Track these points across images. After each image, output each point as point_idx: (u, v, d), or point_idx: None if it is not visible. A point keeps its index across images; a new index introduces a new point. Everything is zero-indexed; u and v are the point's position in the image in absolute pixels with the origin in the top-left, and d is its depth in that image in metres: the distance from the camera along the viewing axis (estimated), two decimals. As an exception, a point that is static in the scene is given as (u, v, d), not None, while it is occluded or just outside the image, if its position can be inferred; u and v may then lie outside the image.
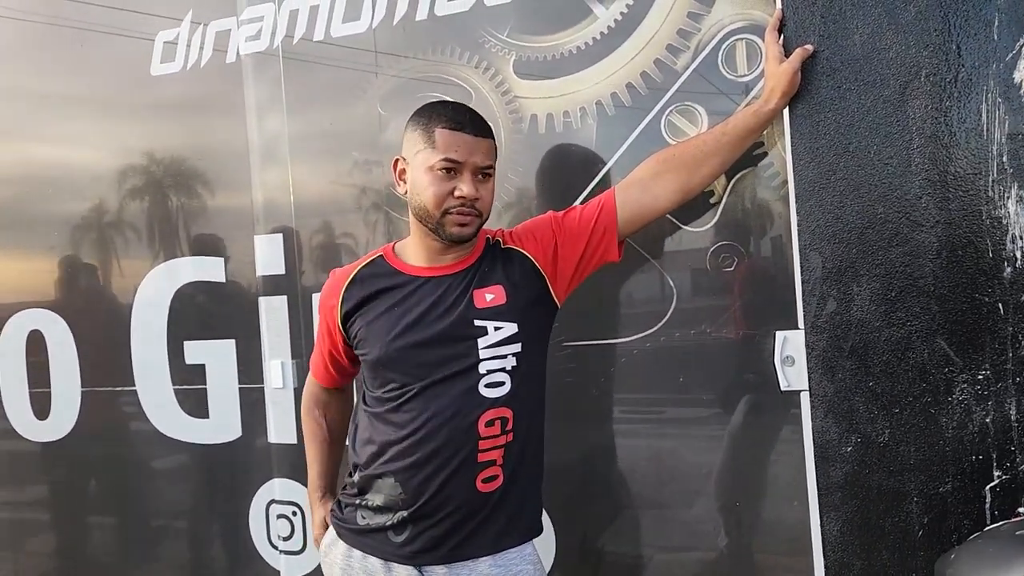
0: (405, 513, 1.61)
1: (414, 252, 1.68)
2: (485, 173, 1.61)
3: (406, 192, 1.65)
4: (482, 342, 1.60)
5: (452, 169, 1.57)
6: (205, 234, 2.46)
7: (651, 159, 1.77)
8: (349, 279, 1.69)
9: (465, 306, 1.61)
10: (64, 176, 2.67)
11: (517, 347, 1.61)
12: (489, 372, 1.59)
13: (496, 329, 1.60)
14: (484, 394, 1.59)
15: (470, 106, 1.69)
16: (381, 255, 1.71)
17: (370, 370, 1.67)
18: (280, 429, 2.34)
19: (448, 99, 1.71)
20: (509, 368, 1.61)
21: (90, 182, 2.60)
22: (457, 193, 1.57)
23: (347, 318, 1.69)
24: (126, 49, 2.47)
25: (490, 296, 1.63)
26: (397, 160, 1.67)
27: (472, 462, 1.59)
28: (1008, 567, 1.19)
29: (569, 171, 2.02)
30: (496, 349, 1.60)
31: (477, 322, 1.60)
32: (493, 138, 1.64)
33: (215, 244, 2.44)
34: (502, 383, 1.60)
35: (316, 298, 2.25)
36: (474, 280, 1.64)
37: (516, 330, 1.61)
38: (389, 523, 1.63)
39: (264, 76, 2.31)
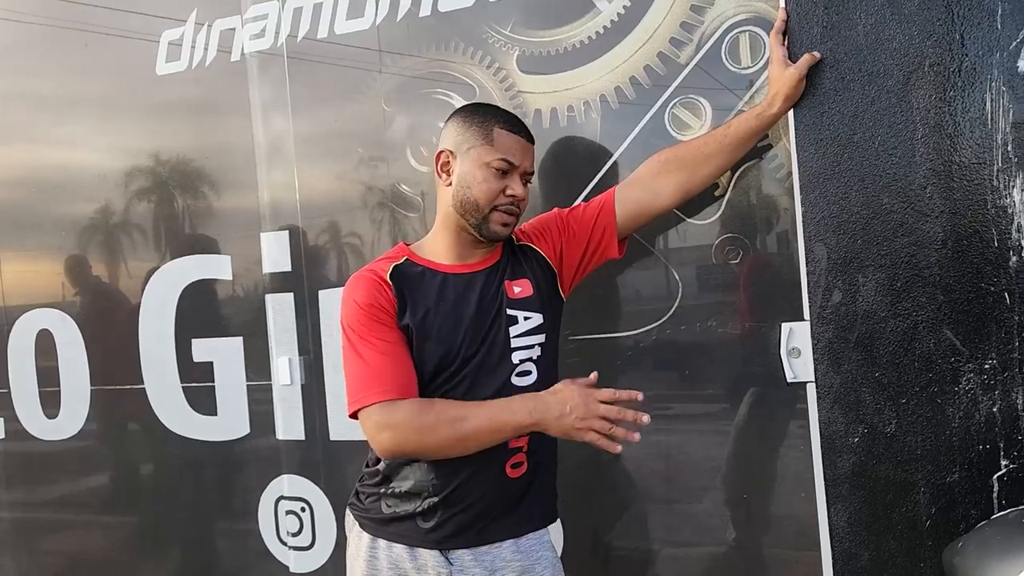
0: (436, 499, 1.63)
1: (442, 250, 1.69)
2: (528, 179, 1.68)
3: (449, 184, 1.66)
4: (513, 331, 1.64)
5: (507, 170, 1.63)
6: (211, 232, 2.47)
7: (652, 159, 1.81)
8: (390, 272, 1.64)
9: (499, 298, 1.66)
10: (71, 177, 2.68)
11: (542, 337, 1.67)
12: (521, 362, 1.64)
13: (525, 319, 1.66)
14: (515, 383, 1.63)
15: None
16: (406, 257, 1.69)
17: (414, 361, 1.63)
18: (288, 426, 2.35)
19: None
20: (535, 358, 1.66)
21: (96, 182, 2.62)
22: (509, 192, 1.63)
23: (400, 306, 1.62)
24: (131, 49, 2.48)
25: (518, 289, 1.68)
26: (442, 152, 1.68)
27: (504, 448, 1.61)
28: (1016, 554, 1.19)
29: (574, 165, 2.02)
30: (525, 339, 1.65)
31: (509, 311, 1.65)
32: None
33: (221, 242, 2.45)
34: (529, 372, 1.65)
35: (323, 295, 2.28)
36: (505, 273, 1.69)
37: (542, 320, 1.67)
38: (418, 509, 1.64)
39: (268, 74, 2.32)
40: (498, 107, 1.75)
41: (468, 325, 1.63)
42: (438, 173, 1.69)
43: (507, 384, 1.62)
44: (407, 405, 1.56)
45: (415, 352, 1.62)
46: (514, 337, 1.64)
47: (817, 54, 1.70)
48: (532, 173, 1.69)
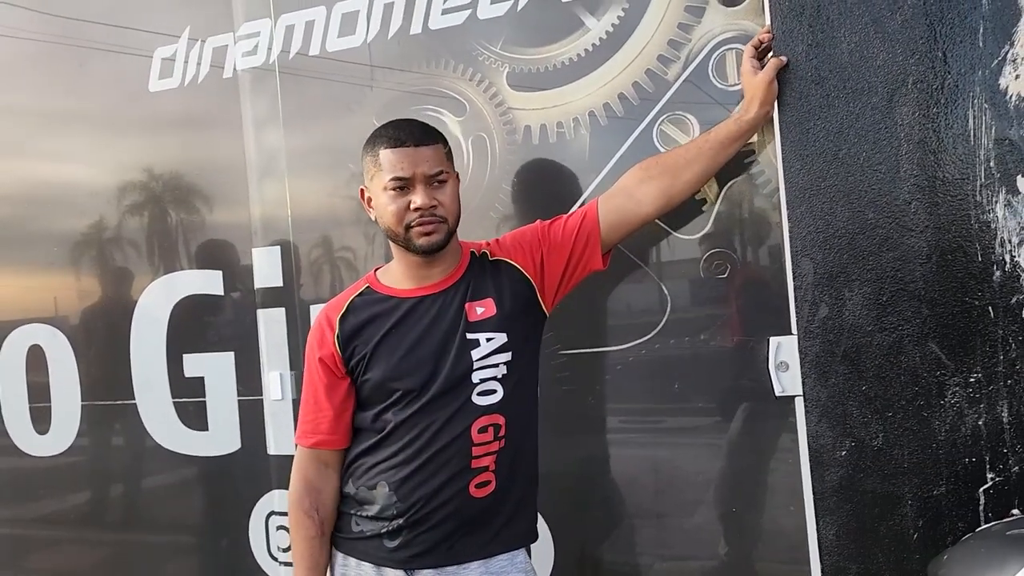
0: (401, 520, 1.64)
1: (401, 275, 1.71)
2: (438, 180, 1.64)
3: (376, 218, 1.70)
4: (475, 353, 1.64)
5: (403, 186, 1.62)
6: (203, 248, 2.47)
7: (635, 168, 1.82)
8: (342, 311, 1.70)
9: (460, 321, 1.65)
10: (63, 193, 2.69)
11: (507, 356, 1.66)
12: (482, 381, 1.63)
13: (488, 340, 1.65)
14: (476, 402, 1.63)
15: (415, 119, 1.74)
16: (367, 285, 1.74)
17: (370, 391, 1.68)
18: (279, 441, 2.35)
19: (395, 118, 1.74)
20: (500, 376, 1.65)
21: (89, 198, 2.62)
22: (412, 206, 1.61)
23: (346, 346, 1.68)
24: (124, 66, 2.50)
25: (480, 309, 1.67)
26: (362, 190, 1.72)
27: (466, 468, 1.62)
28: (1000, 566, 1.20)
29: (563, 181, 2.04)
30: (488, 359, 1.64)
31: (469, 335, 1.64)
32: (441, 142, 1.67)
33: (213, 257, 2.45)
34: (494, 391, 1.64)
35: (315, 310, 2.28)
36: (466, 295, 1.68)
37: (506, 339, 1.66)
38: (384, 530, 1.65)
39: (261, 91, 2.34)
40: (388, 124, 1.70)
41: (421, 349, 1.64)
42: (366, 209, 1.72)
43: (468, 403, 1.63)
44: (302, 479, 1.71)
45: (372, 378, 1.65)
46: (477, 360, 1.63)
47: (784, 58, 1.72)
48: (440, 172, 1.63)
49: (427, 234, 1.62)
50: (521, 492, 1.70)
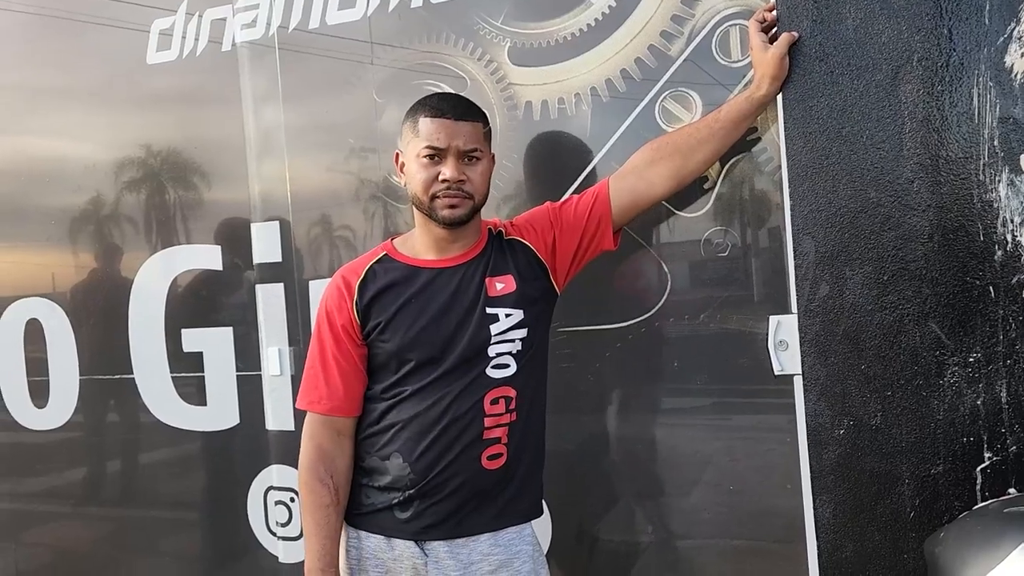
0: (412, 491, 1.65)
1: (422, 245, 1.72)
2: (471, 156, 1.65)
3: (406, 183, 1.71)
4: (494, 328, 1.66)
5: (435, 155, 1.63)
6: (202, 222, 2.46)
7: (645, 147, 1.81)
8: (361, 277, 1.71)
9: (481, 295, 1.67)
10: (60, 167, 2.67)
11: (523, 332, 1.68)
12: (498, 355, 1.66)
13: (507, 316, 1.66)
14: (491, 375, 1.65)
15: (461, 94, 1.74)
16: (385, 253, 1.74)
17: (386, 359, 1.69)
18: (277, 416, 2.34)
19: (441, 90, 1.74)
20: (515, 352, 1.67)
21: (86, 172, 2.61)
22: (441, 177, 1.62)
23: (364, 312, 1.69)
24: (122, 39, 2.47)
25: (500, 285, 1.69)
26: (397, 154, 1.73)
27: (478, 439, 1.64)
28: (996, 544, 1.20)
29: (564, 157, 2.03)
30: (505, 335, 1.66)
31: (489, 310, 1.66)
32: (482, 121, 1.68)
33: (211, 232, 2.44)
34: (507, 365, 1.66)
35: (314, 285, 2.28)
36: (487, 270, 1.69)
37: (523, 316, 1.68)
38: (395, 501, 1.67)
39: (260, 65, 2.32)
40: (433, 94, 1.73)
41: (441, 320, 1.65)
42: (398, 174, 1.73)
43: (482, 375, 1.65)
44: (315, 447, 1.69)
45: (387, 346, 1.66)
46: (495, 334, 1.65)
47: (795, 33, 1.71)
48: (474, 149, 1.64)
49: (451, 207, 1.63)
50: (529, 468, 1.72)
